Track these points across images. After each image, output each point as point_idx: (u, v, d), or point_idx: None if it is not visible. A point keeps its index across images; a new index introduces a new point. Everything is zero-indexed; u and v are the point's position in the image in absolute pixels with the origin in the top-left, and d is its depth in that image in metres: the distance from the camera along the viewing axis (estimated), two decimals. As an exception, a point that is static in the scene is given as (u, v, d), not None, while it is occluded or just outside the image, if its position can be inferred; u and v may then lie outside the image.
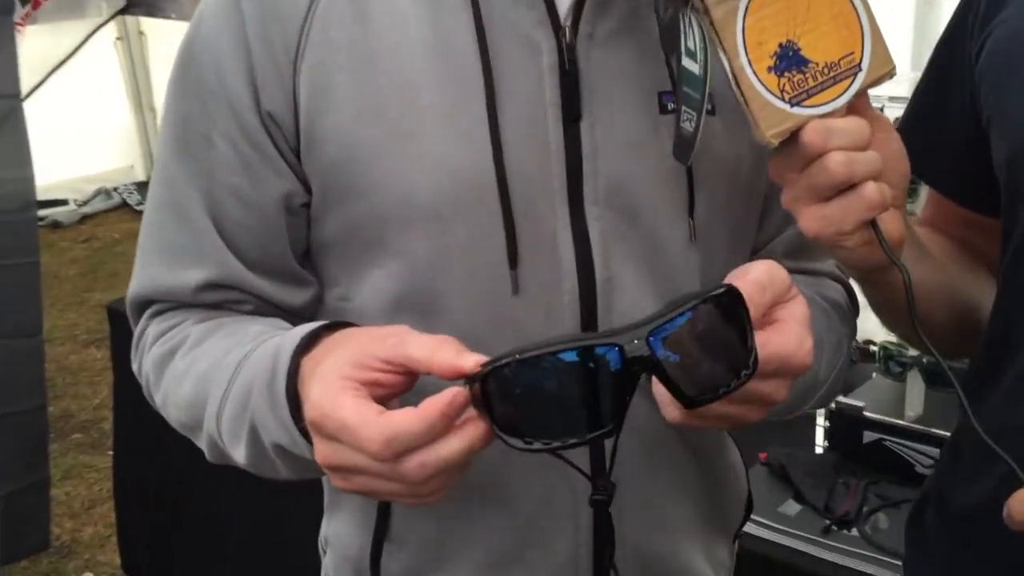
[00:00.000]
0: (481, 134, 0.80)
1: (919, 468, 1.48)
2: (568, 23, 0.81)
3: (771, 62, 0.73)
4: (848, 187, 0.72)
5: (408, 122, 0.80)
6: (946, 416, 1.49)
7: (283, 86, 0.80)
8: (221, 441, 0.80)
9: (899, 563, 1.30)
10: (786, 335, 0.71)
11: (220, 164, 0.83)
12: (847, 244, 0.74)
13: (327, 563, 1.02)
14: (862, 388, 1.58)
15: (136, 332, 0.92)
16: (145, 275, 0.88)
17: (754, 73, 0.72)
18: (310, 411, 0.66)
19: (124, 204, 5.82)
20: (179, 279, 0.85)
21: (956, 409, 1.46)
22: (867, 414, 1.53)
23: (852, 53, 0.74)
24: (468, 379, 0.64)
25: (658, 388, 0.68)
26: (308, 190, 0.84)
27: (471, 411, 0.65)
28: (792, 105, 0.73)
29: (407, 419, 0.62)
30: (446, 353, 0.64)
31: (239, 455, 0.79)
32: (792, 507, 1.43)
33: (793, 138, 0.73)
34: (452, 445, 0.64)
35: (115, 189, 5.88)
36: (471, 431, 0.64)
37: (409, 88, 0.79)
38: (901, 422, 1.51)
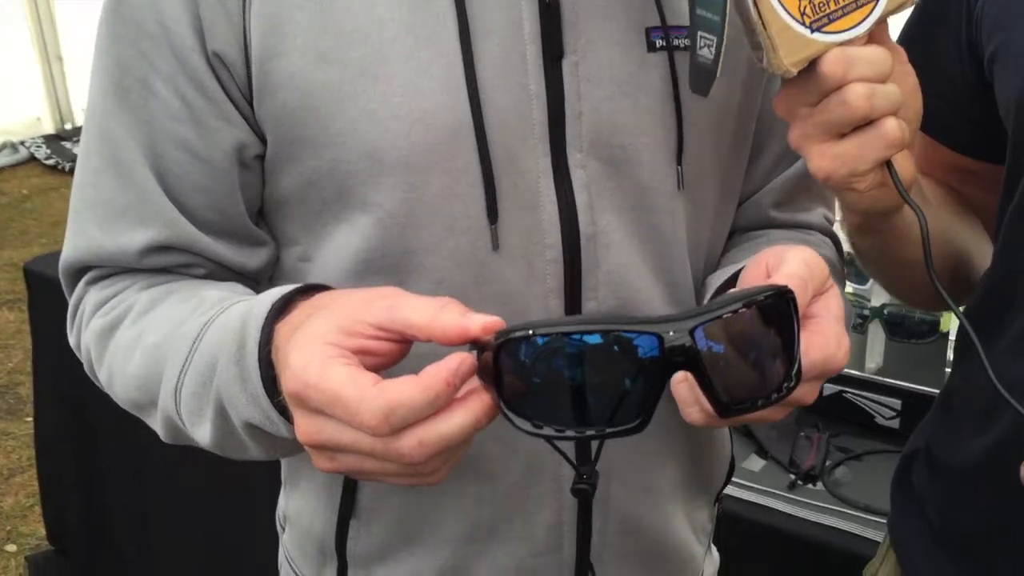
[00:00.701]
0: (455, 75, 0.72)
1: (879, 419, 1.47)
2: None
3: None
4: (866, 123, 0.67)
5: (373, 63, 0.71)
6: (905, 367, 1.48)
7: (232, 24, 0.71)
8: (180, 421, 0.71)
9: (863, 515, 1.29)
10: (825, 335, 0.66)
11: (162, 113, 0.74)
12: (859, 186, 0.69)
13: (286, 540, 0.95)
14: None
15: (72, 301, 0.82)
16: (81, 238, 0.79)
17: None
18: (290, 382, 0.58)
19: (32, 159, 5.55)
20: (121, 242, 0.76)
21: (917, 361, 1.47)
22: (827, 366, 1.51)
23: None
24: (478, 346, 0.57)
25: (681, 388, 0.62)
26: (263, 140, 0.76)
27: (475, 382, 0.58)
28: (812, 31, 0.67)
29: (407, 388, 0.55)
30: (450, 314, 0.57)
31: (202, 435, 0.70)
32: (756, 462, 1.41)
33: (810, 67, 0.67)
34: (455, 420, 0.56)
35: (22, 143, 5.61)
36: (476, 405, 0.57)
37: (374, 25, 0.71)
38: (861, 374, 1.49)
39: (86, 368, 0.82)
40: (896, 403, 1.45)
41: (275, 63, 0.72)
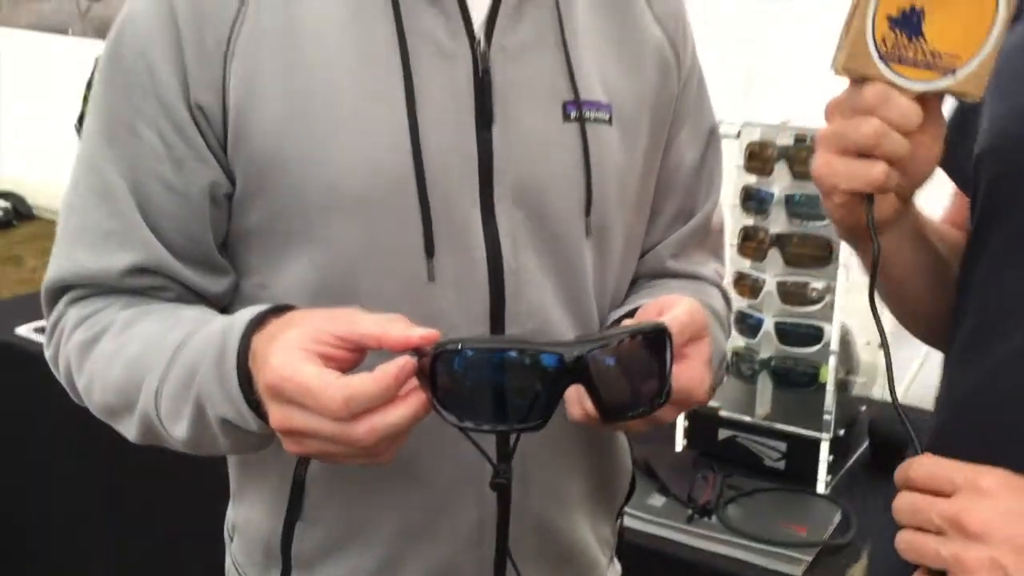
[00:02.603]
0: (402, 135, 0.86)
1: (767, 461, 1.63)
2: (482, 35, 0.88)
3: (895, 14, 0.74)
4: (866, 155, 0.77)
5: (334, 120, 0.85)
6: (790, 414, 1.64)
7: (213, 81, 0.84)
8: (158, 419, 0.83)
9: (752, 544, 1.43)
10: (693, 371, 0.83)
11: (146, 154, 0.86)
12: (834, 199, 0.80)
13: (234, 549, 1.05)
14: (717, 390, 1.71)
15: (51, 319, 0.93)
16: (66, 260, 0.90)
17: (874, 12, 0.75)
18: (269, 376, 0.71)
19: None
20: (105, 263, 0.88)
21: (800, 408, 1.62)
22: (722, 413, 1.66)
23: (959, 57, 0.76)
24: (418, 354, 0.71)
25: (570, 392, 0.77)
26: (232, 181, 0.88)
27: (415, 383, 0.72)
28: (880, 58, 0.75)
29: (364, 381, 0.69)
30: (398, 327, 0.72)
31: (179, 432, 0.82)
32: (658, 499, 1.54)
33: (858, 85, 0.76)
34: (399, 411, 0.71)
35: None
36: (415, 400, 0.72)
37: (335, 89, 0.85)
38: (751, 420, 1.64)
39: (62, 379, 0.93)
40: (782, 446, 1.61)
41: (249, 115, 0.85)
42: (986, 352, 0.84)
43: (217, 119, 0.86)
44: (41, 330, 2.36)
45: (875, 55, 0.75)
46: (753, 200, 1.61)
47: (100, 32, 3.86)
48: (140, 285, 0.89)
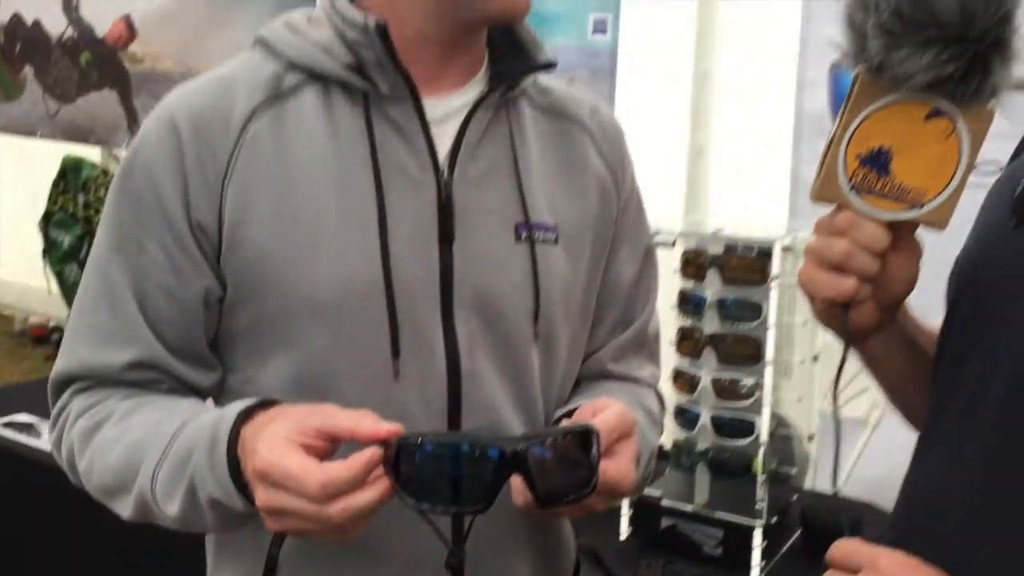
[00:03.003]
0: (374, 252, 0.99)
1: (706, 548, 1.73)
2: (446, 166, 1.03)
3: (864, 153, 0.86)
4: (839, 270, 0.89)
5: (315, 237, 0.98)
6: (726, 502, 1.75)
7: (212, 202, 0.98)
8: (153, 498, 0.93)
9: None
10: (619, 466, 0.95)
11: (150, 264, 0.99)
12: (815, 305, 0.93)
13: None
14: (659, 480, 1.82)
15: (56, 408, 1.04)
16: (73, 356, 1.02)
17: (844, 148, 0.86)
18: (258, 463, 0.83)
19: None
20: (108, 358, 1.00)
21: (736, 498, 1.73)
22: (664, 502, 1.77)
23: (926, 192, 0.86)
24: (384, 444, 0.83)
25: (514, 482, 0.90)
26: (223, 287, 1.01)
27: (380, 470, 0.84)
28: (851, 189, 0.86)
29: (339, 468, 0.81)
30: (368, 422, 0.85)
31: (172, 509, 0.92)
32: (605, 585, 1.64)
33: (835, 210, 0.88)
34: (367, 495, 0.83)
35: None
36: (381, 485, 0.84)
37: (317, 212, 0.99)
38: (691, 508, 1.75)
39: (64, 462, 1.04)
40: (719, 533, 1.72)
41: (242, 230, 0.98)
42: (927, 451, 0.96)
43: (213, 235, 0.98)
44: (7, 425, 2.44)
45: (846, 187, 0.86)
46: (688, 303, 1.75)
47: (68, 134, 3.98)
48: (139, 379, 1.01)
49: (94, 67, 3.81)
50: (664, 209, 1.40)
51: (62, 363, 1.03)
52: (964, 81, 0.83)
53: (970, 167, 0.87)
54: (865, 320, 0.92)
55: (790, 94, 2.45)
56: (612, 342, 1.18)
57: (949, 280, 0.97)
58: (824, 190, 0.88)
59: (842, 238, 0.87)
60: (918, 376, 1.01)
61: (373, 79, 1.00)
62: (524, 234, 1.06)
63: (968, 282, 0.94)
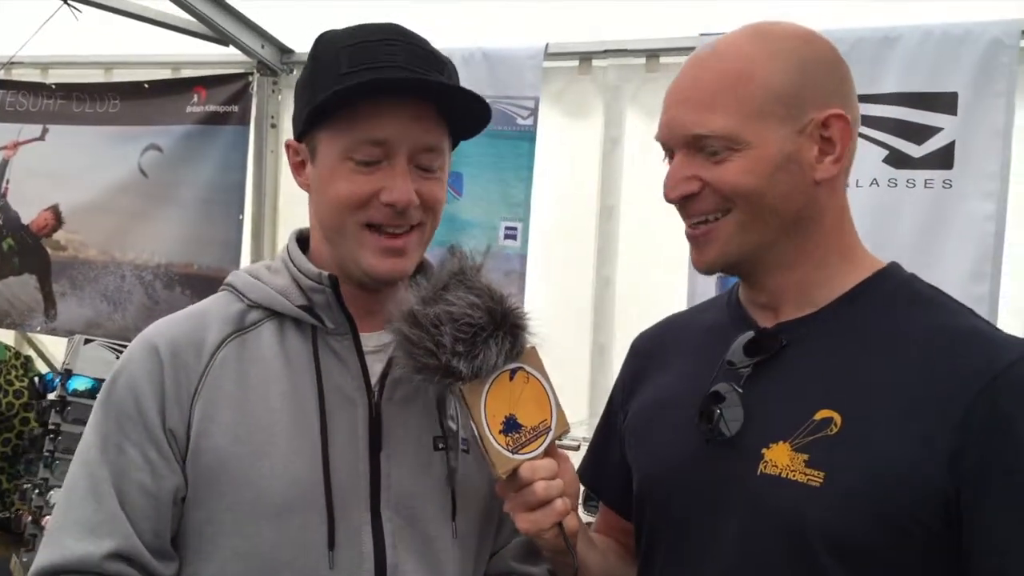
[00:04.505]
0: (316, 459, 1.15)
1: None
2: (376, 389, 1.21)
3: (500, 426, 1.14)
4: (546, 502, 1.13)
5: (267, 444, 1.15)
6: None
7: (182, 414, 1.14)
8: None
9: None
10: None
11: (130, 465, 1.13)
12: (546, 536, 1.15)
13: None
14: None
15: None
16: (57, 548, 1.12)
17: (490, 432, 1.13)
18: None
19: None
20: (90, 548, 1.11)
21: None
22: None
23: (545, 420, 1.17)
24: None
25: None
26: (187, 486, 1.15)
27: None
28: (513, 452, 1.14)
29: None
30: None
31: None
32: None
33: (515, 472, 1.14)
34: None
35: None
36: None
37: (270, 425, 1.15)
38: None
39: None
40: None
41: (205, 438, 1.13)
42: None
43: (182, 440, 1.14)
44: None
45: (509, 454, 1.14)
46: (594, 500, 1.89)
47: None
48: (115, 570, 1.11)
49: (16, 253, 3.90)
50: (568, 408, 1.57)
51: (45, 556, 1.13)
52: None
53: (550, 383, 1.19)
54: (573, 526, 1.17)
55: (682, 296, 2.67)
56: (512, 541, 1.34)
57: (639, 499, 1.26)
58: (500, 465, 1.13)
59: (535, 484, 1.12)
60: (599, 567, 1.27)
61: (321, 317, 1.19)
62: (440, 445, 1.23)
63: (660, 502, 1.22)
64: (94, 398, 2.76)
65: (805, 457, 1.07)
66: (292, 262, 1.23)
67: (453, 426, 1.22)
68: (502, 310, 1.13)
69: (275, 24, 3.37)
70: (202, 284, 3.43)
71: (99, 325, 3.59)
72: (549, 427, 1.16)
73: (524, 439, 1.15)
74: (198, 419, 1.14)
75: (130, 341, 2.78)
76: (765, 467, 1.10)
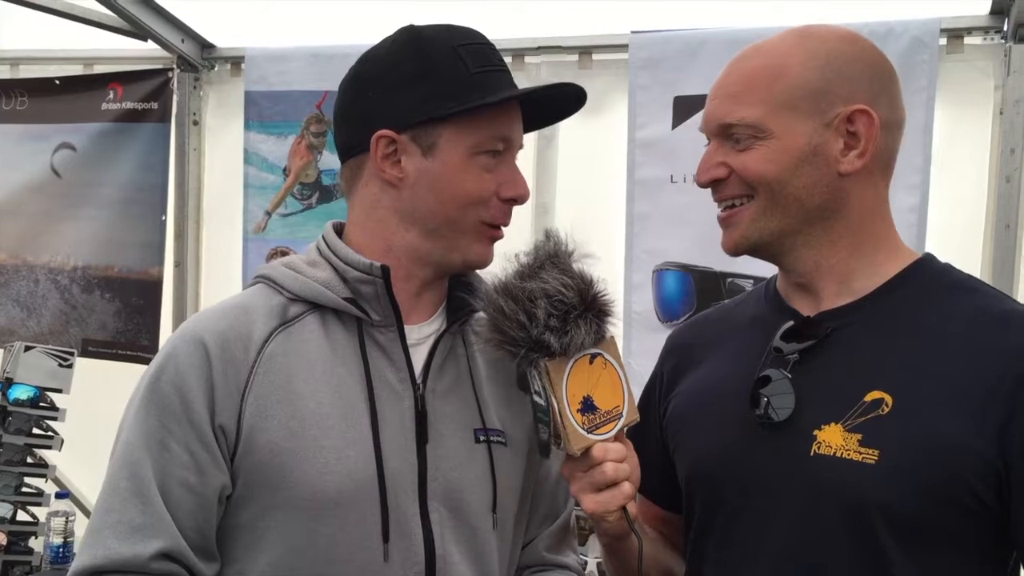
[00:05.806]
0: (368, 451, 1.16)
1: None
2: (420, 381, 1.22)
3: (579, 406, 1.17)
4: (613, 484, 1.16)
5: (319, 438, 1.14)
6: None
7: (233, 410, 1.12)
8: None
9: None
10: None
11: (175, 464, 1.11)
12: (609, 519, 1.17)
13: None
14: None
15: None
16: (100, 548, 1.09)
17: (570, 411, 1.16)
18: None
19: None
20: (137, 550, 1.08)
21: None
22: None
23: (618, 406, 1.21)
24: None
25: None
26: (233, 485, 1.13)
27: None
28: (588, 432, 1.17)
29: None
30: None
31: None
32: None
33: (587, 451, 1.17)
34: None
35: None
36: None
37: (322, 419, 1.15)
38: None
39: None
40: None
41: (258, 434, 1.12)
42: None
43: (232, 436, 1.13)
44: None
45: (586, 433, 1.17)
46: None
47: None
48: (162, 569, 1.09)
49: (-82, 258, 3.69)
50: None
51: (87, 557, 1.09)
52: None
53: (625, 373, 1.22)
54: (634, 511, 1.21)
55: (618, 292, 2.74)
56: (543, 532, 1.37)
57: (688, 483, 1.30)
58: (575, 442, 1.16)
59: (605, 464, 1.15)
60: (650, 555, 1.29)
61: (366, 310, 1.19)
62: (482, 437, 1.25)
63: (709, 487, 1.26)
64: (36, 407, 2.69)
65: (859, 436, 1.12)
66: (336, 254, 1.23)
67: (541, 401, 1.21)
68: (592, 293, 1.17)
69: (194, 18, 3.28)
70: (124, 286, 3.32)
71: (13, 332, 3.43)
72: (621, 413, 1.20)
73: (599, 420, 1.18)
74: (249, 414, 1.14)
75: (48, 347, 2.69)
76: (819, 448, 1.14)
